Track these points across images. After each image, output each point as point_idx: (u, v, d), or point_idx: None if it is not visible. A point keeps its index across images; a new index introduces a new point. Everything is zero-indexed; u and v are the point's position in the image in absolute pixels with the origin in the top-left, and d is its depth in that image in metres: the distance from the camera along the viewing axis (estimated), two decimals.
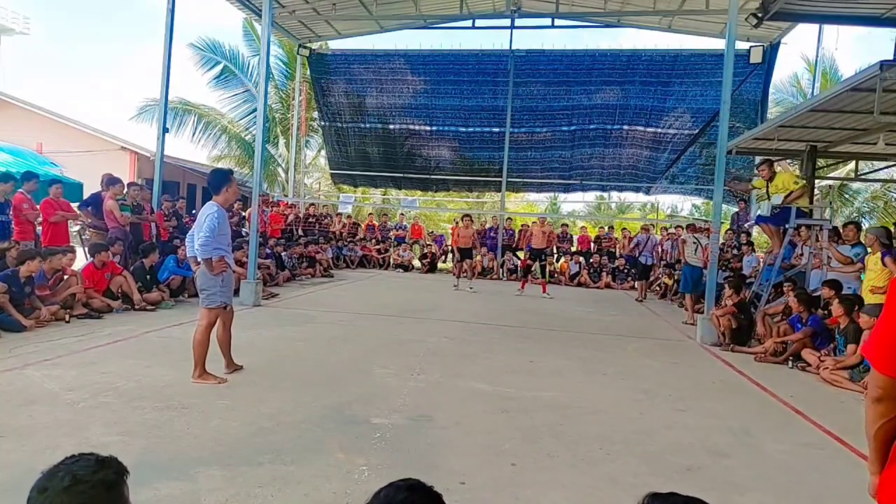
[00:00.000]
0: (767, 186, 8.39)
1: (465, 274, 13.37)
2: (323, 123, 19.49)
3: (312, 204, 18.82)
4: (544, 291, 12.28)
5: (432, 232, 20.01)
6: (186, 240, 5.21)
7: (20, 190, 7.99)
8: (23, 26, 33.97)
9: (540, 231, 12.72)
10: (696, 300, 10.16)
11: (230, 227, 5.22)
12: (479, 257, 16.09)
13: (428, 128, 18.58)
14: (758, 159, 14.33)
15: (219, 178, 4.93)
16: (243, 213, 13.60)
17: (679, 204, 24.19)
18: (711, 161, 15.09)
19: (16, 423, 3.65)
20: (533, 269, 13.50)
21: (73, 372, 4.81)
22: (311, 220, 16.89)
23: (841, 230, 8.06)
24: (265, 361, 5.50)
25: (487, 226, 17.93)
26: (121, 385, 4.53)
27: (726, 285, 8.08)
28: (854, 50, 59.34)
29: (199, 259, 4.79)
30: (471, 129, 18.22)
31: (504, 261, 16.32)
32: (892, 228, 7.84)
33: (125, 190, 9.06)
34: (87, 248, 8.68)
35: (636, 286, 14.19)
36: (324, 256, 14.44)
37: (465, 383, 5.23)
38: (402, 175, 19.58)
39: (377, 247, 17.37)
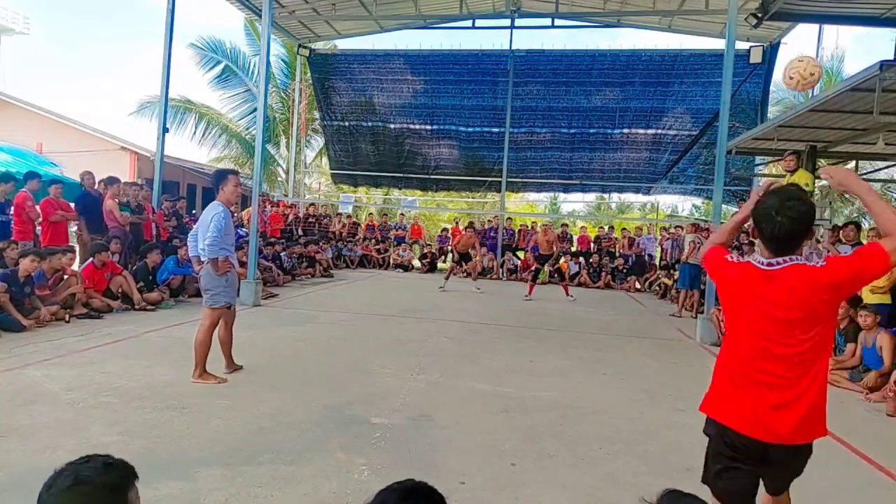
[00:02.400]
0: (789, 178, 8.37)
1: (460, 274, 14.08)
2: (323, 123, 19.49)
3: (312, 204, 18.81)
4: (567, 294, 12.02)
5: (446, 229, 19.84)
6: (188, 240, 5.21)
7: (23, 189, 7.98)
8: (23, 26, 33.96)
9: (545, 240, 12.06)
10: (693, 298, 10.51)
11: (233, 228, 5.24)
12: (479, 257, 16.08)
13: (428, 127, 18.58)
14: (758, 159, 14.41)
15: (216, 178, 4.99)
16: (239, 214, 13.60)
17: (679, 204, 24.21)
18: (711, 161, 15.10)
19: (16, 422, 3.65)
20: (542, 272, 13.07)
21: (73, 372, 4.81)
22: (311, 220, 16.88)
23: (848, 229, 8.04)
24: (265, 361, 5.50)
25: (487, 226, 17.93)
26: (121, 385, 4.53)
27: None
28: (852, 50, 59.35)
29: (202, 259, 4.80)
30: (471, 129, 18.22)
31: (504, 261, 16.31)
32: None
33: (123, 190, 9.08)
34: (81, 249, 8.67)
35: (637, 284, 14.96)
36: (323, 256, 14.44)
37: (465, 383, 5.23)
38: (402, 175, 19.58)
39: (377, 247, 17.37)
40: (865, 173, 14.29)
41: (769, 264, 2.04)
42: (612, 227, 18.28)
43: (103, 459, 1.32)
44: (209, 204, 4.98)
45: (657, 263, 15.40)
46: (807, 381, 2.06)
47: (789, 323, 1.98)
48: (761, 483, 2.19)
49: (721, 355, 2.28)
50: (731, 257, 2.23)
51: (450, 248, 17.38)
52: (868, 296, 6.42)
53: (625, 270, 15.42)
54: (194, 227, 5.14)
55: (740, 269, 2.12)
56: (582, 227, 22.73)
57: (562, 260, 16.09)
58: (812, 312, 1.96)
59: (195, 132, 20.40)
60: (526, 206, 27.27)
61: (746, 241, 12.15)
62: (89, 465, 1.29)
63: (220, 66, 20.04)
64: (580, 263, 15.64)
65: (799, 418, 2.05)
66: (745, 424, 2.06)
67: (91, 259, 7.76)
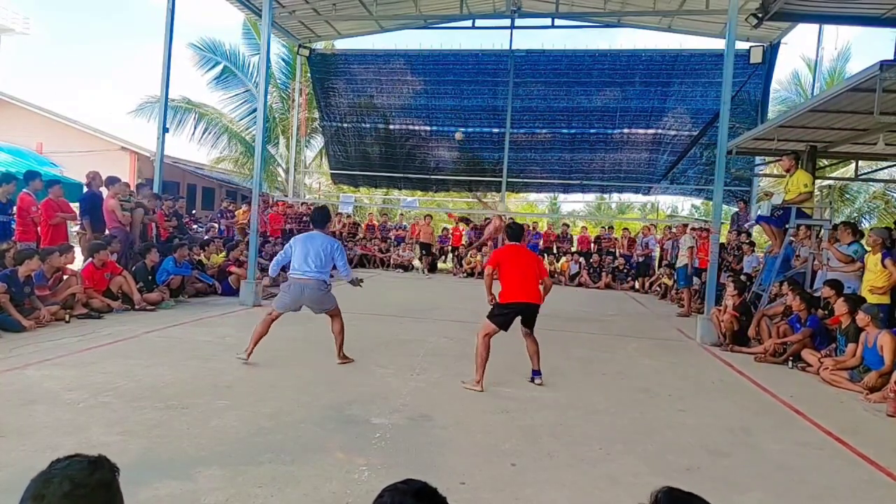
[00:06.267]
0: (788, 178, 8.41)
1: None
2: (323, 123, 19.48)
3: (304, 203, 18.66)
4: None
5: (446, 229, 19.76)
6: (277, 260, 5.95)
7: (25, 190, 7.94)
8: (23, 26, 33.92)
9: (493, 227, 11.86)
10: (691, 295, 10.64)
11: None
12: (479, 257, 16.08)
13: (428, 128, 18.57)
14: (758, 159, 14.40)
15: (326, 216, 6.05)
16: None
17: (679, 204, 24.21)
18: (712, 161, 15.09)
19: (16, 422, 3.65)
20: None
21: (73, 372, 4.81)
22: (305, 219, 16.61)
23: (842, 229, 8.03)
24: (265, 361, 5.50)
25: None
26: (121, 385, 4.53)
27: (729, 284, 8.10)
28: (851, 50, 59.19)
29: (312, 277, 5.61)
30: (471, 130, 18.20)
31: None
32: (893, 228, 7.84)
33: (131, 190, 9.08)
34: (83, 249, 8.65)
35: (636, 285, 15.05)
36: None
37: None
38: (402, 175, 19.57)
39: (378, 246, 17.34)
40: (865, 173, 14.30)
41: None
42: (611, 227, 18.25)
43: (86, 458, 1.29)
44: (313, 232, 5.77)
45: (656, 264, 15.39)
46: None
47: (529, 266, 5.33)
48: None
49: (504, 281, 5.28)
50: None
51: (450, 247, 17.67)
52: (868, 296, 6.43)
53: (625, 270, 15.41)
54: (286, 248, 5.75)
55: (505, 251, 5.51)
56: (582, 227, 22.72)
57: (561, 261, 16.07)
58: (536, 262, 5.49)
59: (195, 132, 20.37)
60: (526, 207, 27.27)
61: (747, 241, 12.17)
62: (75, 466, 1.25)
63: (220, 67, 19.99)
64: (580, 263, 15.62)
65: (539, 295, 5.29)
66: (521, 297, 5.20)
67: (91, 259, 7.74)
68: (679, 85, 16.54)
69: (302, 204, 18.09)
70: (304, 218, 16.59)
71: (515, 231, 5.90)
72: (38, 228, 8.12)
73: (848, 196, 19.22)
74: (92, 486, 1.23)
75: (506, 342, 7.22)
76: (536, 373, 5.41)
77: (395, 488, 1.26)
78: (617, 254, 16.03)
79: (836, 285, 6.93)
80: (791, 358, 6.70)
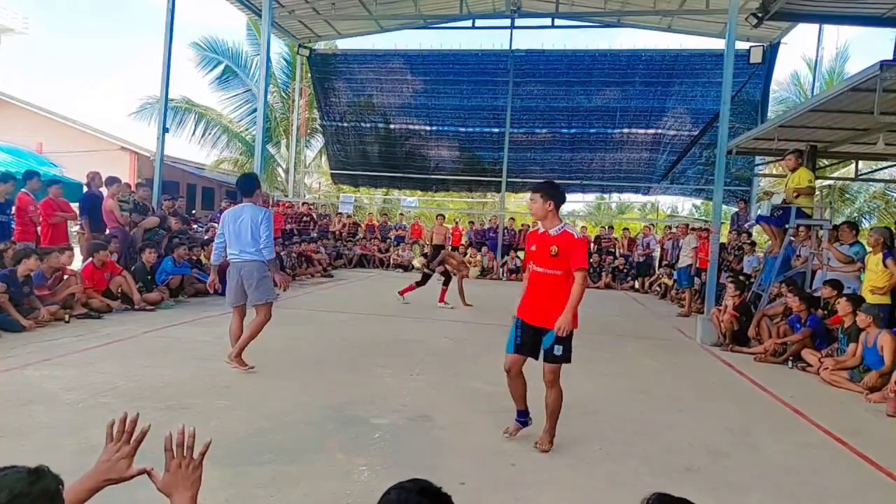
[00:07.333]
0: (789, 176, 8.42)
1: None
2: (324, 123, 19.49)
3: (305, 203, 18.67)
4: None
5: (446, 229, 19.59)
6: (216, 242, 5.25)
7: (24, 190, 7.94)
8: (22, 26, 33.91)
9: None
10: (692, 296, 10.79)
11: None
12: (479, 257, 16.08)
13: (428, 128, 18.58)
14: (758, 159, 14.40)
15: (253, 182, 5.24)
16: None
17: (679, 204, 24.21)
18: (712, 161, 15.10)
19: (15, 422, 3.64)
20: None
21: (73, 372, 4.81)
22: (305, 219, 16.58)
23: (844, 229, 8.02)
24: (265, 361, 5.49)
25: (487, 226, 17.93)
26: (120, 385, 4.52)
27: (730, 284, 8.09)
28: (851, 50, 59.20)
29: (258, 260, 4.94)
30: (470, 130, 18.21)
31: (506, 261, 16.29)
32: (893, 228, 7.83)
33: (132, 190, 9.07)
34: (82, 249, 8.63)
35: (636, 285, 15.06)
36: (321, 256, 14.41)
37: (465, 383, 5.22)
38: (402, 175, 19.57)
39: (378, 245, 17.33)
40: (865, 173, 14.29)
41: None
42: (611, 227, 18.28)
43: (25, 468, 1.20)
44: (241, 205, 5.07)
45: (656, 264, 15.39)
46: None
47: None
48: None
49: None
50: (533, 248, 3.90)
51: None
52: (868, 296, 6.42)
53: (625, 270, 15.42)
54: (220, 228, 5.15)
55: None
56: (582, 227, 22.70)
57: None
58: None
59: (195, 132, 20.36)
60: (526, 207, 27.27)
61: (748, 242, 12.17)
62: (12, 476, 1.18)
63: (221, 67, 19.98)
64: None
65: None
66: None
67: (91, 259, 7.74)
68: (679, 85, 16.55)
69: (303, 204, 18.10)
70: (305, 218, 16.61)
71: (563, 193, 3.86)
72: (38, 228, 8.12)
73: (848, 196, 19.22)
74: (33, 496, 1.15)
75: (505, 341, 7.23)
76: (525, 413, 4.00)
77: (402, 486, 1.27)
78: (617, 254, 16.03)
79: (836, 285, 6.92)
80: (791, 358, 6.70)
